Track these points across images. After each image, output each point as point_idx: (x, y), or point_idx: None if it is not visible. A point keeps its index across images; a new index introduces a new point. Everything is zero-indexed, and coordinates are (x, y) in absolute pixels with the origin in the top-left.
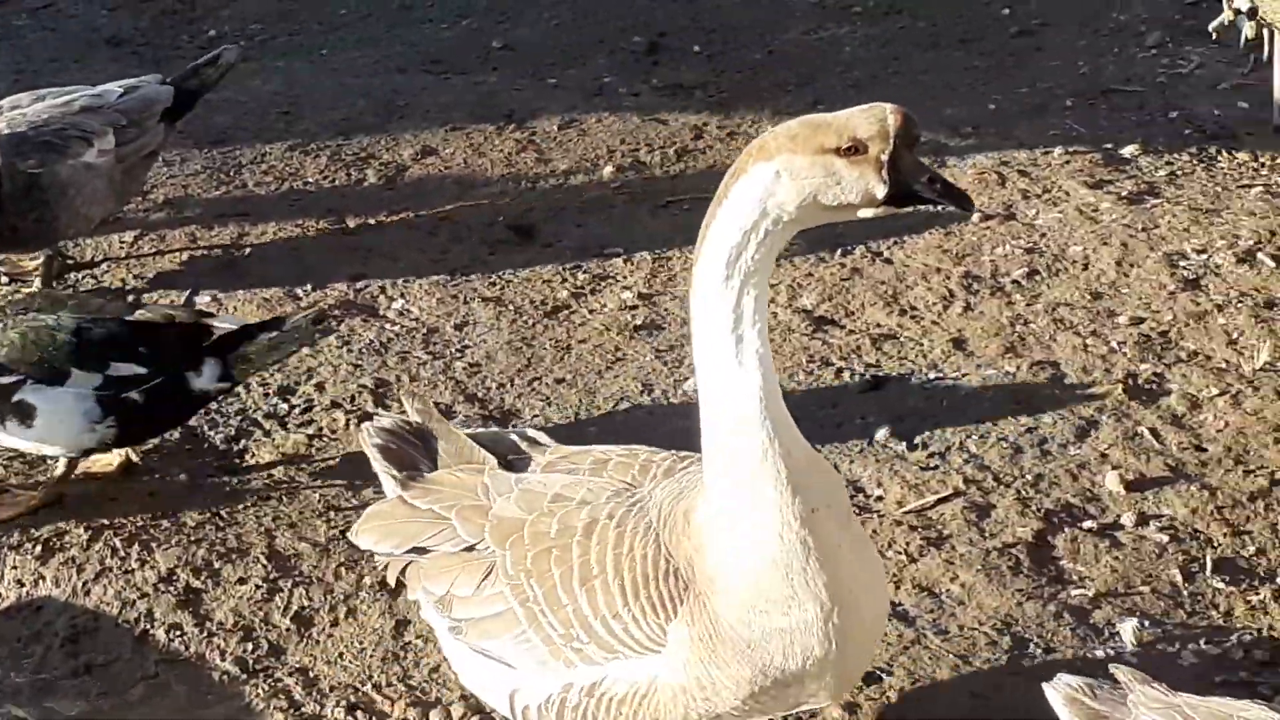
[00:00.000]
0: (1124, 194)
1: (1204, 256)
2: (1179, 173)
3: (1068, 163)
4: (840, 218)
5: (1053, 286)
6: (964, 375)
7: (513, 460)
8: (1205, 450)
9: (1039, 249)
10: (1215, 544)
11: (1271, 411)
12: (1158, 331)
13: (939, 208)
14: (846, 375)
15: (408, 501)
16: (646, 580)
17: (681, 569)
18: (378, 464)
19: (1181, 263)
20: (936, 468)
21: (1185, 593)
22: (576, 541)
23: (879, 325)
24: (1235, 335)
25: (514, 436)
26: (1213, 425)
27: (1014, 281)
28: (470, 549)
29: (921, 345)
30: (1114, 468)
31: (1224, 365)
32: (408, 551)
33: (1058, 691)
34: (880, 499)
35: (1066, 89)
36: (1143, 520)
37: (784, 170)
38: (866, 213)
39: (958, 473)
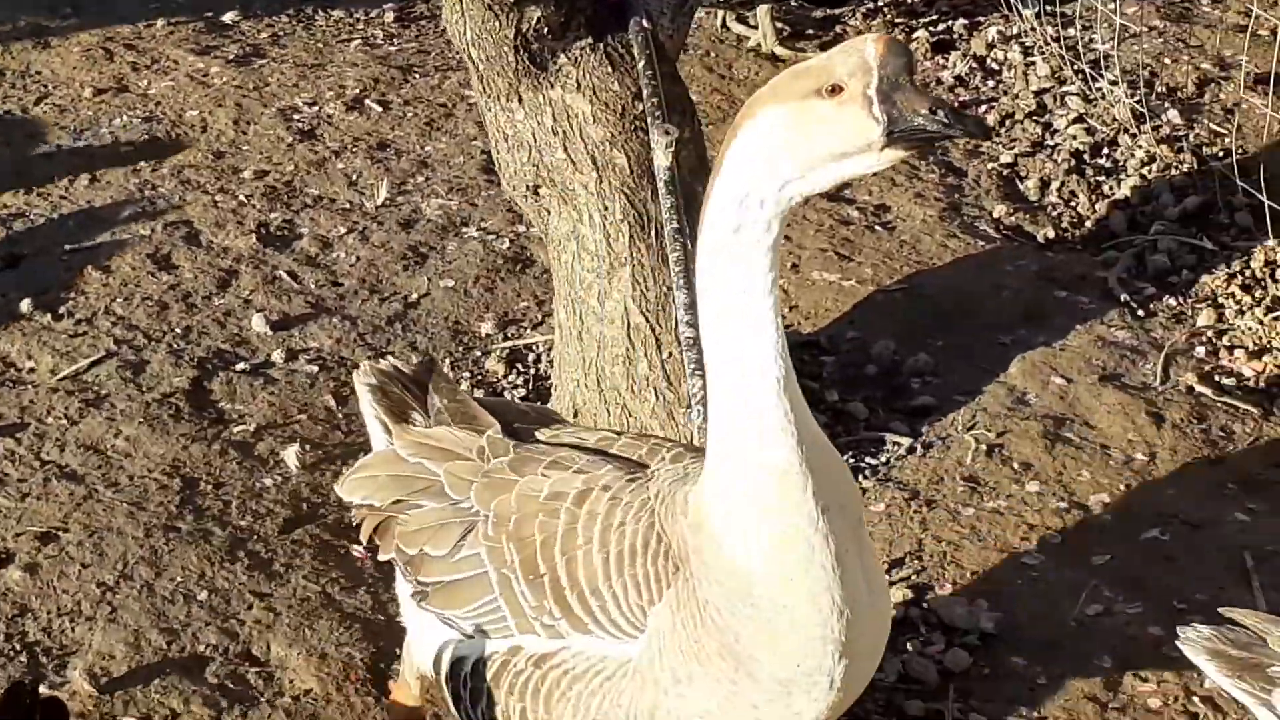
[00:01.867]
0: (231, 58)
1: (315, 108)
2: (280, 33)
3: (172, 33)
4: (851, 171)
5: (178, 153)
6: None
7: (517, 428)
8: (341, 285)
9: (157, 117)
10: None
11: (396, 242)
12: (282, 181)
13: (952, 138)
14: None
15: (397, 453)
16: (634, 556)
17: (674, 550)
18: (368, 407)
19: (295, 116)
20: (85, 334)
21: (340, 415)
22: (565, 508)
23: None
24: (354, 177)
25: (522, 406)
26: (345, 261)
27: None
28: (452, 507)
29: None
30: (259, 310)
31: (348, 206)
32: (391, 505)
33: (1196, 645)
34: (33, 370)
35: None
36: (292, 355)
37: (772, 125)
38: (871, 159)
39: (108, 335)
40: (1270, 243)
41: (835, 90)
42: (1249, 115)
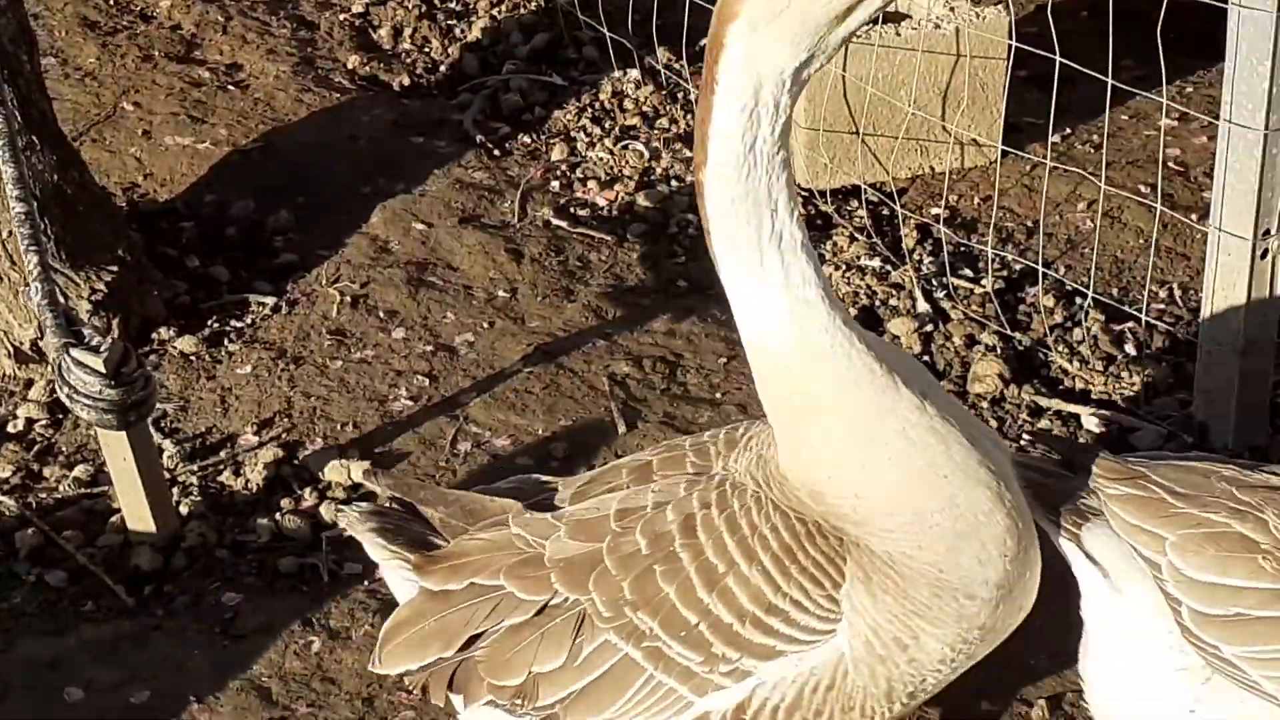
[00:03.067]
0: None
1: None
2: None
3: None
4: (861, 20)
5: None
6: None
7: (533, 503)
8: None
9: None
10: None
11: None
12: None
13: None
14: None
15: (435, 591)
16: (791, 553)
17: (824, 525)
18: (383, 551)
19: None
20: None
21: None
22: (681, 546)
23: None
24: None
25: (513, 481)
26: None
27: None
28: (542, 611)
29: None
30: None
31: None
32: (459, 651)
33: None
34: None
35: None
36: None
37: (755, 18)
38: None
39: None
40: (616, 74)
41: None
42: None
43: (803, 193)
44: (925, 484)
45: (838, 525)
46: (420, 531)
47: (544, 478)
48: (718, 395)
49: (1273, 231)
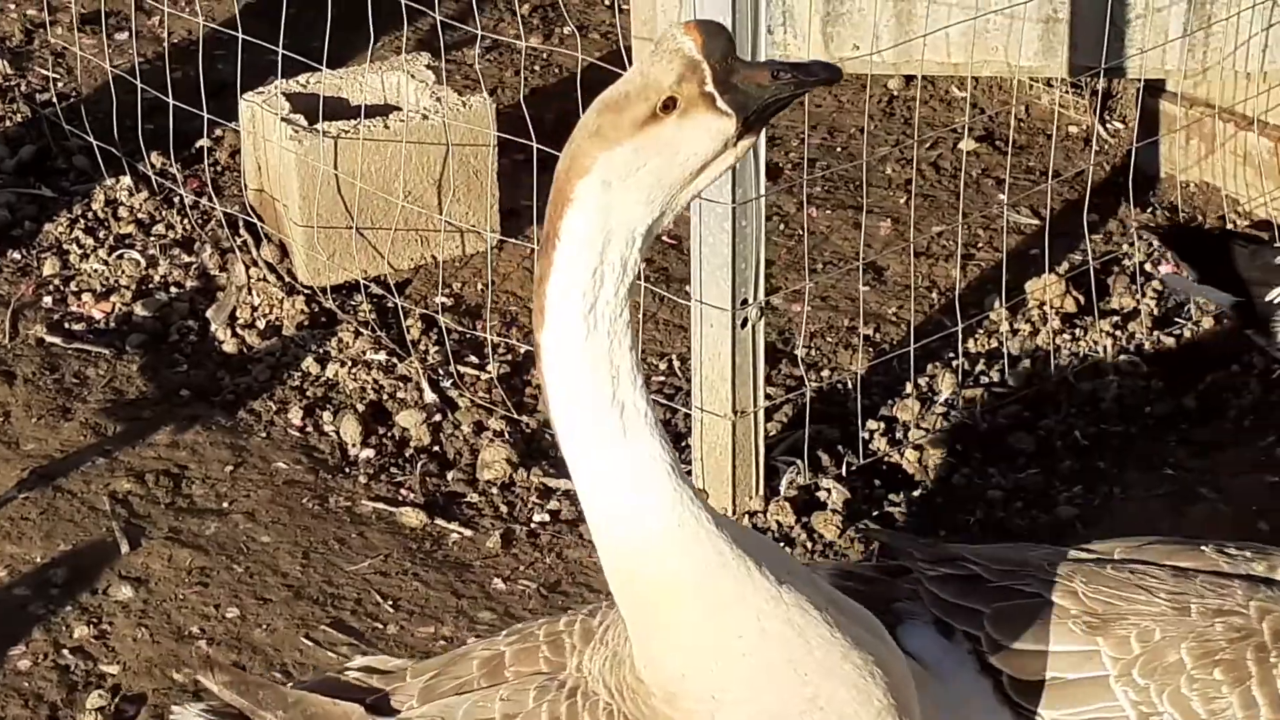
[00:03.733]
0: None
1: None
2: None
3: None
4: (708, 179)
5: None
6: None
7: (373, 703)
8: None
9: None
10: None
11: None
12: None
13: (809, 90)
14: None
15: None
16: None
17: None
18: None
19: None
20: None
21: None
22: None
23: None
24: None
25: (353, 674)
26: None
27: None
28: None
29: None
30: None
31: None
32: None
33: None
34: None
35: None
36: None
37: (610, 176)
38: (730, 156)
39: None
40: (109, 182)
41: (669, 105)
42: (78, 59)
43: (304, 289)
44: (783, 684)
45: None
46: None
47: (389, 662)
48: (224, 505)
49: (750, 301)
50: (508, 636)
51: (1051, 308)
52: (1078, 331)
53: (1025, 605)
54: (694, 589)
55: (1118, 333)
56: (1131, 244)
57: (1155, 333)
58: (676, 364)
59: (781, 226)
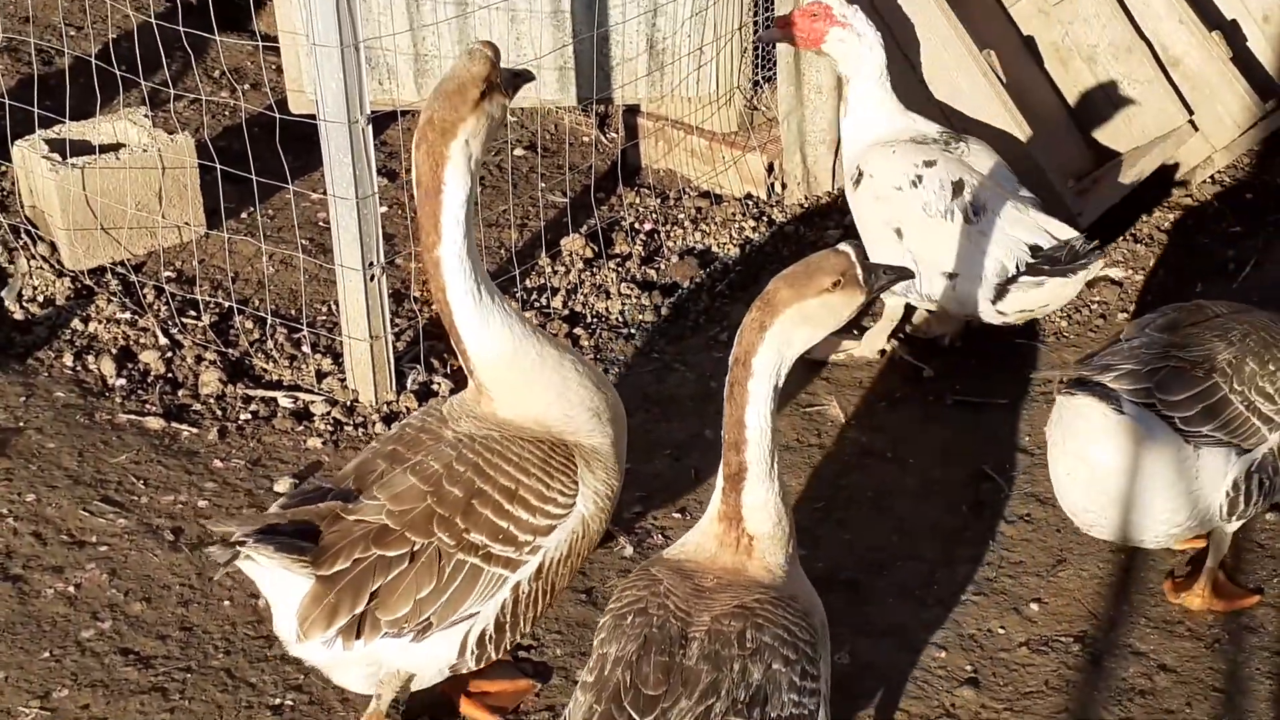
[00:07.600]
0: None
1: None
2: None
3: None
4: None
5: None
6: None
7: (339, 496)
8: None
9: None
10: None
11: None
12: None
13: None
14: None
15: (328, 575)
16: (546, 462)
17: (553, 440)
18: (290, 565)
19: None
20: None
21: None
22: (482, 482)
23: None
24: None
25: (301, 490)
26: None
27: None
28: (410, 558)
29: None
30: None
31: None
32: (365, 605)
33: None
34: None
35: None
36: None
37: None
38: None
39: None
40: None
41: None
42: None
43: (70, 273)
44: (589, 396)
45: (559, 436)
46: (286, 540)
47: (315, 481)
48: (21, 424)
49: (375, 263)
50: (387, 440)
51: (577, 255)
52: (594, 270)
53: (1169, 373)
54: (514, 351)
55: (620, 269)
56: (624, 212)
57: (643, 268)
58: (334, 307)
59: (399, 212)
